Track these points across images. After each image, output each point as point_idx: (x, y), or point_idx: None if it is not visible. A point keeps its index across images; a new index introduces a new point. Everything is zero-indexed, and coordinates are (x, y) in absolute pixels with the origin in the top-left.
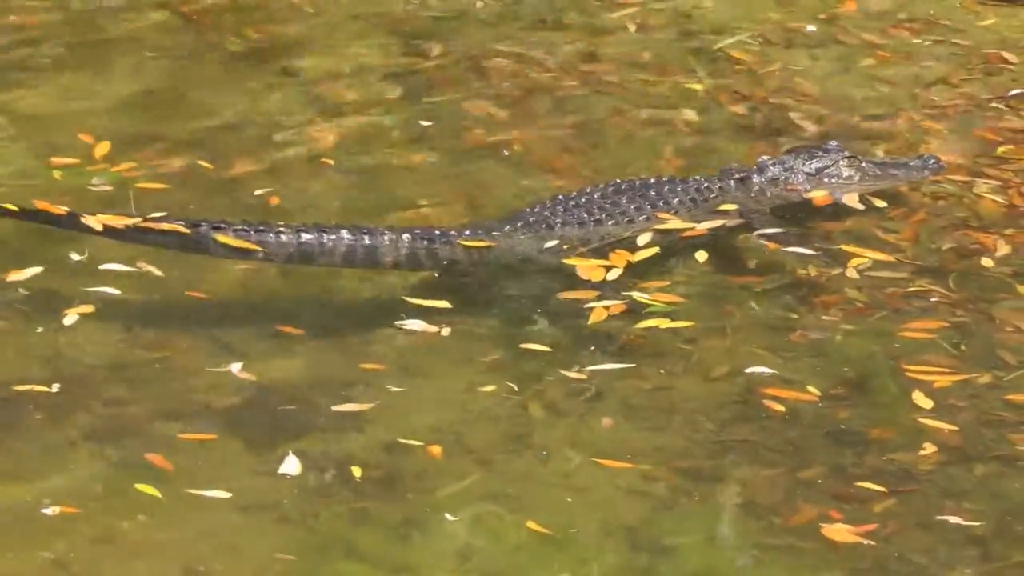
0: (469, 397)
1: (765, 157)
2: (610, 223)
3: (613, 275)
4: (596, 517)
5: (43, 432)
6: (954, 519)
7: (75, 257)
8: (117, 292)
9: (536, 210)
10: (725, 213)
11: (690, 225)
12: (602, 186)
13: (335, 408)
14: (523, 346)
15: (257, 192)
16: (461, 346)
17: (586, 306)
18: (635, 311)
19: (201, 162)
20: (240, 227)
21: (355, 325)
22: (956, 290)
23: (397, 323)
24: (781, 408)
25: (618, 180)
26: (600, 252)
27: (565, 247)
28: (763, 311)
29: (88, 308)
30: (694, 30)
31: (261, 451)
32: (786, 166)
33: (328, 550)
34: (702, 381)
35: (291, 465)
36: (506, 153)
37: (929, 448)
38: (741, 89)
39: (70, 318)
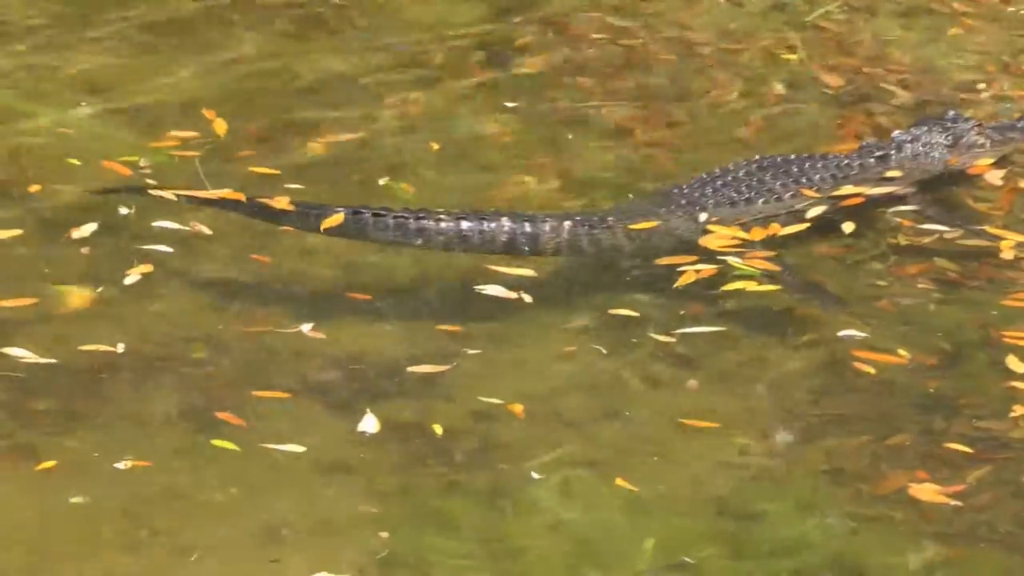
0: (555, 361)
1: (898, 132)
2: (760, 201)
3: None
4: (685, 485)
5: (112, 391)
6: None
7: (123, 211)
8: (171, 250)
9: (684, 191)
10: (891, 180)
11: (858, 191)
12: (743, 163)
13: (411, 369)
14: (611, 311)
15: (381, 181)
16: (546, 311)
17: (679, 269)
18: (726, 275)
19: (310, 142)
20: (400, 215)
21: (428, 290)
22: None
23: (476, 287)
24: (872, 374)
25: (757, 157)
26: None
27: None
28: (854, 280)
29: (148, 268)
30: None
31: (337, 409)
32: (923, 141)
33: (409, 507)
34: (792, 348)
35: (369, 423)
36: (570, 137)
37: (1019, 411)
38: (831, 58)
39: (131, 278)
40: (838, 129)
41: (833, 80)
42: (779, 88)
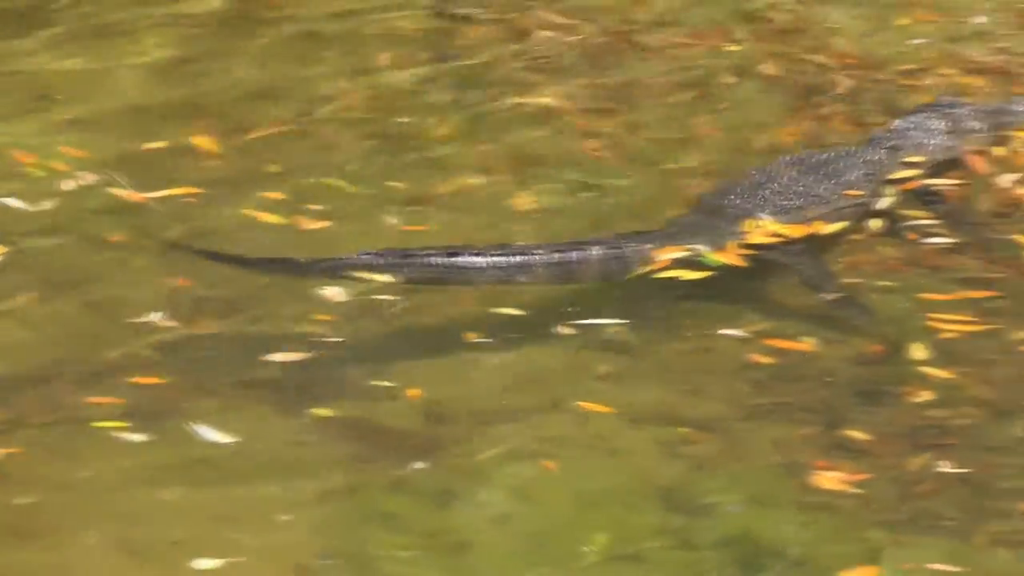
0: (493, 355)
1: (899, 121)
2: (811, 207)
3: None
4: (632, 478)
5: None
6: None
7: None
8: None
9: (737, 202)
10: (915, 165)
11: (911, 174)
12: (782, 166)
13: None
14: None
15: (316, 179)
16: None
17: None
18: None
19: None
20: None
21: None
22: (998, 250)
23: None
24: (814, 366)
25: (787, 157)
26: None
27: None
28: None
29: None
30: None
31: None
32: (923, 129)
33: (353, 503)
34: (737, 342)
35: (209, 433)
36: (516, 132)
37: (963, 405)
38: (778, 49)
39: None
40: (787, 120)
41: (778, 71)
42: (726, 80)
